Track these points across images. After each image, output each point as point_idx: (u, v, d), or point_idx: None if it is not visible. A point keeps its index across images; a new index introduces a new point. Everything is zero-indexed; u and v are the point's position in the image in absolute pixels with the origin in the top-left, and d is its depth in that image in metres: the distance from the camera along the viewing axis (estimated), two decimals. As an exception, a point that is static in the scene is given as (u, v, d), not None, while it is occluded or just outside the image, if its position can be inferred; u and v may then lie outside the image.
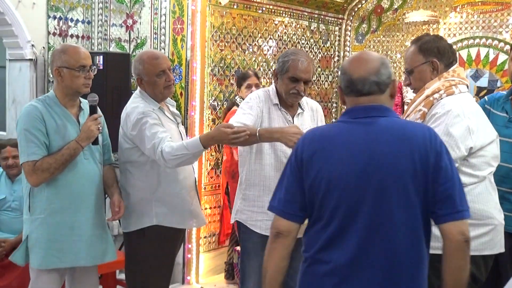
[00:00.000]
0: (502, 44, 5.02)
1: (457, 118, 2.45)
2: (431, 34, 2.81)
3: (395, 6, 5.74)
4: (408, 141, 1.94)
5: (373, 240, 1.92)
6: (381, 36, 5.90)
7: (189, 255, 4.61)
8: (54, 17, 5.06)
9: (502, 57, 4.92)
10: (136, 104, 3.05)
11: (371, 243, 1.92)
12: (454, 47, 5.31)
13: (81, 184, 2.96)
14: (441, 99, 2.52)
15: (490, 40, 5.06)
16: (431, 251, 2.49)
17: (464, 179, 2.48)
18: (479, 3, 4.55)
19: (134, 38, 4.93)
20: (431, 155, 1.92)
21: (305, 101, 3.20)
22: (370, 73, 2.01)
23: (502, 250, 2.61)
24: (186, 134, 4.32)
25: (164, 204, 3.07)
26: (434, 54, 2.62)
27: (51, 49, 4.89)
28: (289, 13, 5.49)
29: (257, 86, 4.47)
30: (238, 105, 4.57)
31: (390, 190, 1.91)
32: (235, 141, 2.80)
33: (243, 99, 4.51)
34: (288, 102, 3.07)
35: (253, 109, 3.02)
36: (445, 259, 1.92)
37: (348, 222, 1.95)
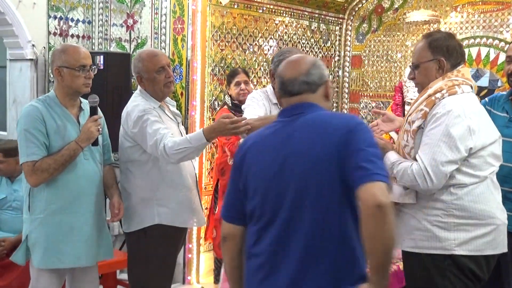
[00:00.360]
0: (502, 43, 5.01)
1: (457, 119, 2.43)
2: (443, 31, 2.77)
3: (396, 6, 5.73)
4: (326, 133, 1.95)
5: (290, 235, 1.95)
6: (382, 36, 5.90)
7: (190, 255, 4.61)
8: (55, 17, 5.06)
9: (503, 57, 4.91)
10: (136, 103, 3.06)
11: (289, 236, 1.95)
12: (455, 46, 5.32)
13: (81, 185, 2.96)
14: (443, 98, 2.50)
15: (490, 40, 5.05)
16: (433, 251, 2.49)
17: (464, 179, 2.47)
18: (480, 3, 4.55)
19: (134, 38, 4.93)
20: (343, 136, 1.91)
21: None
22: (299, 74, 2.08)
23: (505, 250, 2.59)
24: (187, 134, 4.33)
25: (165, 203, 3.07)
26: (443, 52, 2.60)
27: (52, 49, 4.89)
28: (290, 12, 5.49)
29: (246, 83, 4.46)
30: (228, 105, 4.55)
31: (307, 185, 1.92)
32: (235, 131, 2.82)
33: (231, 97, 4.50)
34: None
35: (259, 104, 3.06)
36: (360, 225, 1.85)
37: (273, 219, 1.99)
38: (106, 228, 3.14)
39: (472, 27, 5.22)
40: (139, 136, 2.99)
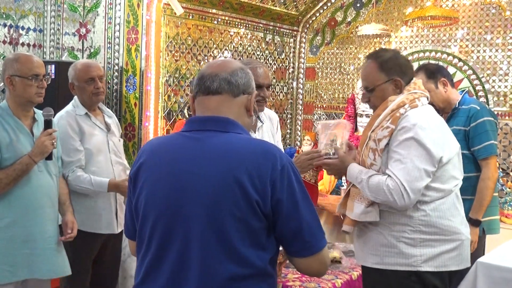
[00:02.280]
0: (450, 57, 5.17)
1: (425, 131, 2.39)
2: (387, 48, 2.74)
3: (348, 19, 5.85)
4: (228, 160, 1.69)
5: (184, 276, 1.68)
6: (335, 48, 6.00)
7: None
8: (5, 25, 4.94)
9: (451, 70, 5.05)
10: (66, 109, 3.29)
11: (182, 278, 1.69)
12: (405, 60, 5.45)
13: (35, 197, 2.88)
14: (406, 112, 2.44)
15: (439, 54, 5.21)
16: (398, 268, 2.44)
17: (430, 194, 2.43)
18: (429, 18, 4.67)
19: (87, 47, 4.87)
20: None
21: (262, 112, 3.19)
22: (222, 71, 1.79)
23: (468, 265, 2.57)
24: (140, 145, 4.29)
25: (74, 207, 3.12)
26: (397, 72, 2.54)
27: (1, 57, 4.78)
28: (245, 24, 5.52)
29: None
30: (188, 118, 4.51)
31: (197, 216, 1.68)
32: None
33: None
34: (256, 112, 3.03)
35: None
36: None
37: (162, 252, 1.73)
38: (61, 242, 3.06)
39: (422, 41, 5.38)
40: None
